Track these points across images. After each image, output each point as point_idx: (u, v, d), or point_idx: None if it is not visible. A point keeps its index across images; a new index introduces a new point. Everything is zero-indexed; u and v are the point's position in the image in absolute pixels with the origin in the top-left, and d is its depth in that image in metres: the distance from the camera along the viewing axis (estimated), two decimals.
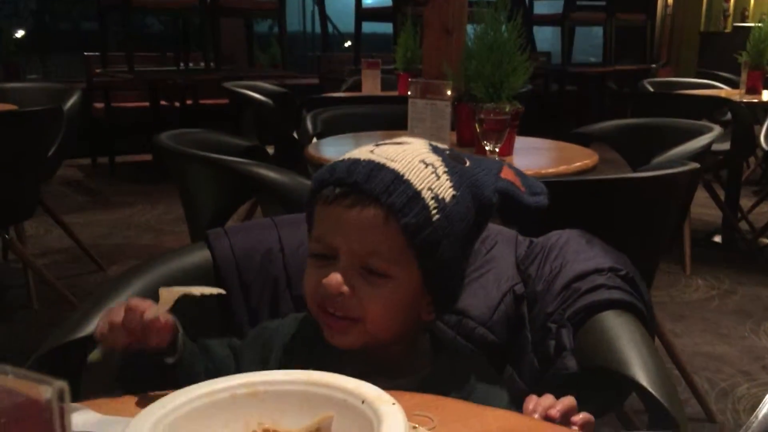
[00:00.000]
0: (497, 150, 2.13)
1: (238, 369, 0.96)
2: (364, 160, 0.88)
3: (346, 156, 0.90)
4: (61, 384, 0.27)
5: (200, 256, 1.16)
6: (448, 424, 0.74)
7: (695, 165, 1.82)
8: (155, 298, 1.09)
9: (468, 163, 0.92)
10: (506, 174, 0.94)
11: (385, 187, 0.85)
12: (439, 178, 0.88)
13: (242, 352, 0.98)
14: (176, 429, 0.68)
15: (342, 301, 0.87)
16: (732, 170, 4.03)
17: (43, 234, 4.02)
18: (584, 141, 2.62)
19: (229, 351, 0.98)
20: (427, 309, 0.93)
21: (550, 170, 2.08)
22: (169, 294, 0.85)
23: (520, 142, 2.36)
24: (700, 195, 4.00)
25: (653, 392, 0.88)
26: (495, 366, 1.02)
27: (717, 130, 2.39)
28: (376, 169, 0.86)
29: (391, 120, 2.70)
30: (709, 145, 2.29)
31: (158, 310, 0.83)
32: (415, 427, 0.71)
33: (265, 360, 0.96)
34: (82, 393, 0.91)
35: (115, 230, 4.21)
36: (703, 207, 4.44)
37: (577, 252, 1.07)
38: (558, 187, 1.76)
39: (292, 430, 0.70)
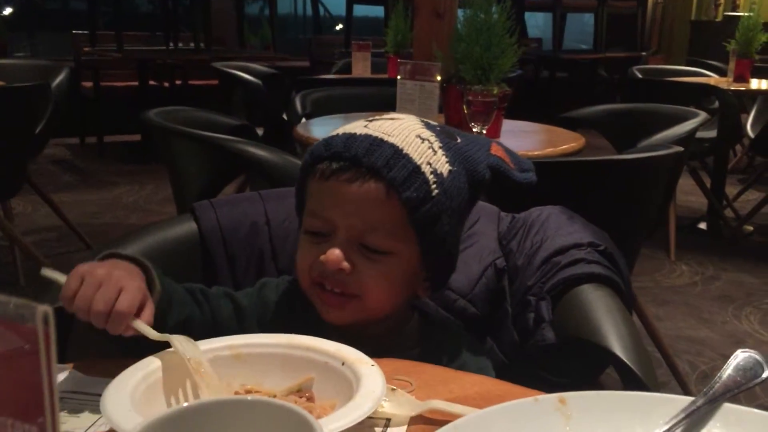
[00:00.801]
0: (484, 132, 2.14)
1: (240, 322, 0.93)
2: (360, 135, 0.88)
3: (339, 131, 0.91)
4: (45, 308, 0.28)
5: (186, 227, 1.17)
6: (427, 387, 0.76)
7: (678, 148, 1.84)
8: None
9: (459, 140, 0.93)
10: (496, 151, 0.95)
11: (386, 161, 0.85)
12: (435, 153, 0.89)
13: (244, 308, 0.95)
14: (158, 389, 0.69)
15: (341, 277, 0.86)
16: (718, 158, 4.06)
17: (31, 212, 4.01)
18: (572, 126, 2.63)
19: (231, 309, 0.94)
20: (423, 285, 0.94)
21: (536, 152, 2.10)
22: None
23: (508, 125, 2.38)
24: (686, 182, 4.04)
25: (626, 361, 0.91)
26: (476, 338, 1.04)
27: (703, 115, 2.41)
28: (375, 143, 0.86)
29: (380, 102, 2.70)
30: (695, 130, 2.32)
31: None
32: (393, 389, 0.72)
33: (262, 318, 0.95)
34: (68, 355, 0.92)
35: (102, 210, 4.20)
36: (689, 194, 4.48)
37: (557, 227, 1.09)
38: (543, 168, 1.77)
39: (274, 391, 0.72)
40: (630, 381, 0.90)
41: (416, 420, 0.70)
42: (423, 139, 0.89)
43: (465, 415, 0.63)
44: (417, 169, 0.86)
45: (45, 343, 0.28)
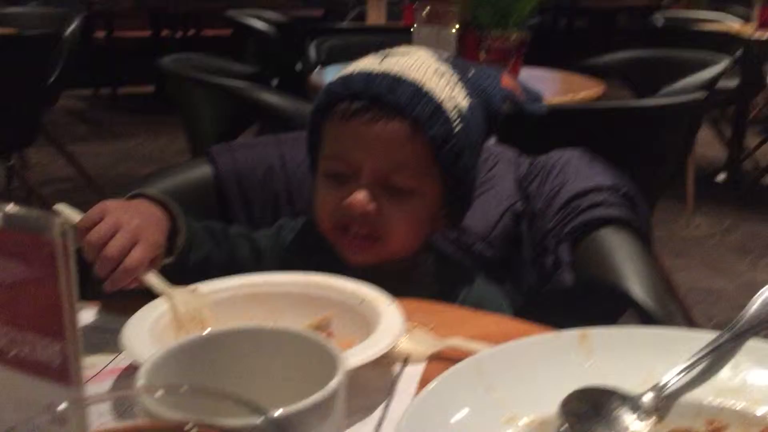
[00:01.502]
0: None
1: (258, 262, 0.93)
2: (378, 73, 0.86)
3: (353, 68, 0.88)
4: (63, 219, 0.27)
5: (202, 171, 1.16)
6: (446, 326, 0.76)
7: (701, 94, 1.81)
8: None
9: (473, 71, 0.91)
10: (506, 82, 0.94)
11: (409, 100, 0.84)
12: (454, 88, 0.87)
13: (262, 249, 0.95)
14: (176, 325, 0.69)
15: (367, 219, 0.85)
16: (739, 108, 3.98)
17: (47, 163, 4.02)
18: (592, 73, 2.58)
19: (248, 249, 0.94)
20: (442, 222, 0.94)
21: (555, 99, 2.07)
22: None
23: (526, 72, 2.33)
24: (706, 133, 3.97)
25: (646, 304, 0.90)
26: (494, 282, 1.03)
27: (726, 61, 2.35)
28: (395, 81, 0.85)
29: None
30: (719, 76, 2.27)
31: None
32: (412, 327, 0.72)
33: (280, 259, 0.94)
34: (89, 290, 0.92)
35: (117, 161, 4.21)
36: (708, 145, 4.41)
37: (578, 170, 1.07)
38: (562, 115, 1.76)
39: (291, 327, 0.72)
40: (650, 324, 0.89)
41: (435, 357, 0.70)
42: (441, 74, 0.87)
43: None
44: (439, 106, 0.85)
45: (63, 255, 0.28)
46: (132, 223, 0.73)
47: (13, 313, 0.30)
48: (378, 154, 0.84)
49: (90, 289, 0.97)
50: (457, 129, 0.86)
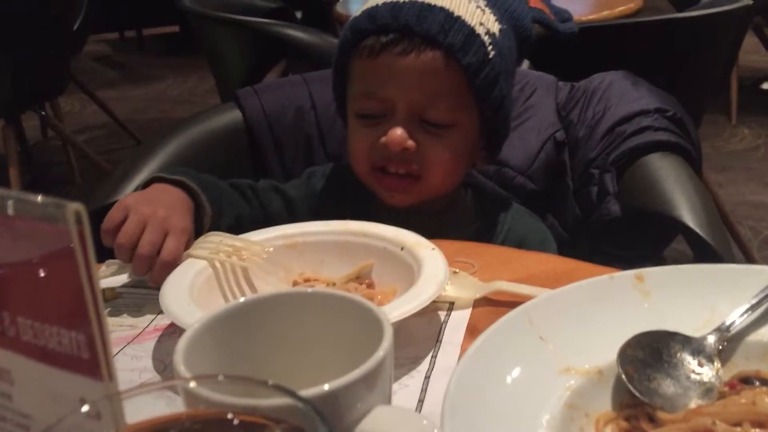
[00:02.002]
0: None
1: (291, 214, 0.92)
2: (405, 2, 0.81)
3: (377, 0, 0.84)
4: (77, 206, 0.25)
5: (231, 116, 1.13)
6: (490, 268, 0.73)
7: (747, 1, 1.70)
8: (191, 157, 1.08)
9: None
10: (534, 3, 0.89)
11: (440, 27, 0.79)
12: (484, 12, 0.83)
13: (293, 199, 0.94)
14: (214, 281, 0.68)
15: (406, 157, 0.82)
16: None
17: (79, 110, 4.03)
18: None
19: (281, 203, 0.93)
20: (480, 154, 0.90)
21: (591, 16, 1.97)
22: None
23: None
24: (749, 41, 3.78)
25: (699, 232, 0.86)
26: (536, 215, 1.00)
27: None
28: (425, 9, 0.80)
29: None
30: None
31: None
32: (455, 272, 0.70)
33: (312, 208, 0.93)
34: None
35: (148, 104, 4.19)
36: (752, 53, 4.22)
37: (621, 94, 1.02)
38: (600, 32, 1.68)
39: (333, 279, 0.70)
40: (703, 254, 0.86)
41: (480, 302, 0.68)
42: None
43: (532, 295, 0.60)
44: (472, 31, 0.80)
45: (80, 243, 0.25)
46: (158, 215, 0.71)
47: (35, 305, 0.28)
48: (412, 88, 0.81)
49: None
50: (491, 55, 0.81)
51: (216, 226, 0.78)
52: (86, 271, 0.26)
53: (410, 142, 0.82)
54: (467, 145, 0.86)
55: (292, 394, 0.27)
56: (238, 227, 0.77)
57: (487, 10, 0.83)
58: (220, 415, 0.28)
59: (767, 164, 3.03)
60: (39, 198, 0.25)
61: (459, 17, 0.80)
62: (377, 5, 0.83)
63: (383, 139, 0.82)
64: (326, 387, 0.35)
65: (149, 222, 0.70)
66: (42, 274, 0.27)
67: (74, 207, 0.25)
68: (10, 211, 0.26)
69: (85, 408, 0.26)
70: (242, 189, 0.89)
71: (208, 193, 0.79)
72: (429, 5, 0.80)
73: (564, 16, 0.93)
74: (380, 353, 0.37)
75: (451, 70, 0.80)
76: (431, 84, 0.81)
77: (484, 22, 0.82)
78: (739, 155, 3.15)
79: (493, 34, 0.82)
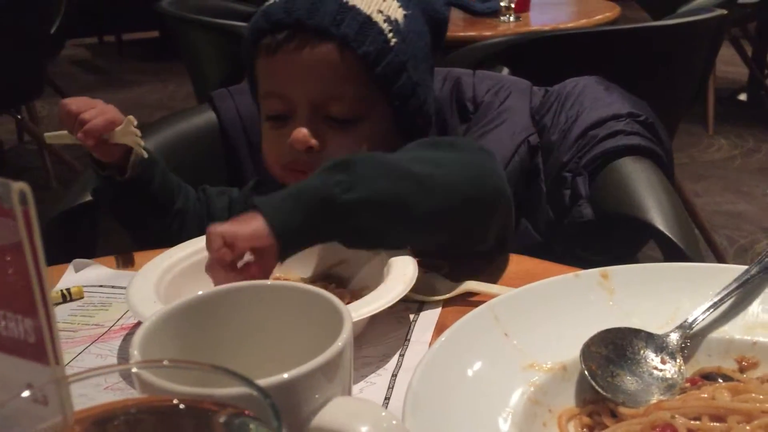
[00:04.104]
0: (512, 6, 2.03)
1: (231, 212, 0.93)
2: None
3: None
4: (21, 185, 0.25)
5: (205, 117, 1.13)
6: (460, 268, 0.73)
7: (721, 12, 1.73)
8: (164, 158, 1.07)
9: None
10: None
11: (332, 18, 0.78)
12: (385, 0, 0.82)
13: (235, 205, 0.95)
14: (182, 280, 0.67)
15: (312, 156, 0.80)
16: (761, 24, 3.84)
17: (56, 114, 3.99)
18: None
19: (226, 202, 0.95)
20: (402, 145, 0.89)
21: (570, 24, 2.00)
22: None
23: None
24: (726, 52, 3.84)
25: (670, 235, 0.87)
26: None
27: None
28: (316, 1, 0.79)
29: None
30: None
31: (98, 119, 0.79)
32: (425, 272, 0.70)
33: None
34: (97, 252, 0.91)
35: (127, 109, 4.11)
36: (729, 64, 4.28)
37: (594, 99, 1.02)
38: (577, 39, 1.69)
39: (302, 277, 0.70)
40: (673, 256, 0.86)
41: (450, 302, 0.68)
42: None
43: (501, 294, 0.60)
44: (368, 19, 0.79)
45: (25, 224, 0.25)
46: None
47: None
48: (310, 84, 0.79)
49: (101, 249, 0.96)
50: (392, 42, 0.80)
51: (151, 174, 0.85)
52: (32, 253, 0.25)
53: (313, 141, 0.80)
54: (379, 139, 0.83)
55: (242, 379, 0.27)
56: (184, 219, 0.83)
57: None
58: (168, 401, 0.28)
59: (743, 174, 3.07)
60: None
61: (353, 6, 0.79)
62: (274, 2, 0.82)
63: (288, 140, 0.80)
64: (285, 376, 0.34)
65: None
66: None
67: (19, 186, 0.25)
68: None
69: (27, 393, 0.25)
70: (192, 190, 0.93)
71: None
72: None
73: None
74: (339, 344, 0.37)
75: (348, 61, 0.79)
76: (329, 77, 0.79)
77: (384, 9, 0.81)
78: (716, 165, 3.19)
79: (395, 20, 0.81)
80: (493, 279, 0.71)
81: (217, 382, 0.28)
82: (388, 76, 0.80)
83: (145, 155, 0.82)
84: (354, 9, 0.79)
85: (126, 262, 0.80)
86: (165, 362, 0.28)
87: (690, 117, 3.41)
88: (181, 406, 0.27)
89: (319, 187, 0.62)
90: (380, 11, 0.80)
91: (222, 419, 0.27)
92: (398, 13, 0.82)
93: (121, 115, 0.82)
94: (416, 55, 0.83)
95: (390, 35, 0.80)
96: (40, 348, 0.27)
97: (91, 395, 0.29)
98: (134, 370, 0.29)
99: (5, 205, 0.25)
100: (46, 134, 0.83)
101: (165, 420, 0.28)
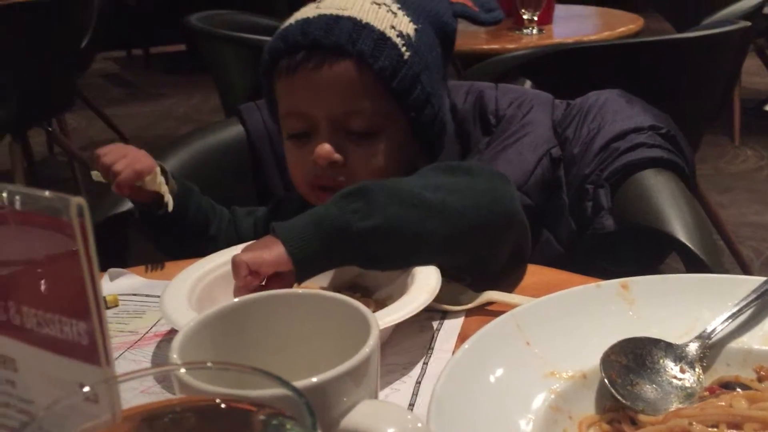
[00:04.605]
0: (535, 18, 2.05)
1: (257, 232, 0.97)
2: (314, 17, 0.83)
3: (290, 20, 0.86)
4: (79, 200, 0.27)
5: (234, 130, 1.16)
6: (483, 279, 0.75)
7: (745, 24, 1.73)
8: (192, 171, 1.11)
9: None
10: None
11: (348, 36, 0.81)
12: (396, 15, 0.85)
13: (260, 224, 0.98)
14: (213, 289, 0.70)
15: (336, 171, 0.83)
16: None
17: (86, 127, 4.07)
18: (629, 7, 2.50)
19: (252, 222, 0.99)
20: (422, 158, 0.91)
21: (593, 36, 2.01)
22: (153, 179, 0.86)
23: (560, 10, 2.26)
24: (752, 62, 3.82)
25: (691, 247, 0.87)
26: (531, 230, 1.01)
27: None
28: (331, 21, 0.82)
29: None
30: (762, 3, 2.16)
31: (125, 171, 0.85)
32: (448, 281, 0.71)
33: None
34: (129, 261, 0.94)
35: (154, 122, 4.24)
36: (755, 75, 4.25)
37: (616, 112, 1.04)
38: (600, 52, 1.70)
39: (324, 286, 0.72)
40: (695, 267, 0.87)
41: (473, 312, 0.69)
42: (379, 5, 0.85)
43: (523, 304, 0.62)
44: (382, 35, 0.82)
45: (82, 234, 0.27)
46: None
47: (39, 295, 0.30)
48: (330, 101, 0.82)
49: (130, 258, 0.99)
50: (406, 56, 0.83)
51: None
52: (87, 261, 0.28)
53: (336, 156, 0.82)
54: (399, 150, 0.86)
55: (278, 380, 0.29)
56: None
57: (400, 13, 0.85)
58: (210, 401, 0.30)
59: None
60: (46, 193, 0.27)
61: (367, 24, 0.82)
62: (290, 25, 0.85)
63: (312, 156, 0.83)
64: (314, 379, 0.36)
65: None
66: (46, 265, 0.29)
67: (77, 200, 0.27)
68: (18, 206, 0.28)
69: (85, 389, 0.28)
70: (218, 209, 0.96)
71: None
72: (336, 17, 0.82)
73: (489, 6, 0.96)
74: (366, 349, 0.39)
75: (365, 76, 0.82)
76: (348, 93, 0.82)
77: (396, 24, 0.84)
78: (742, 176, 3.16)
79: (407, 35, 0.84)
80: (514, 290, 0.72)
81: (254, 384, 0.30)
82: (404, 89, 0.83)
83: (171, 207, 0.86)
84: (368, 26, 0.82)
85: (158, 271, 0.82)
86: (209, 364, 0.30)
87: (716, 128, 3.40)
88: (223, 405, 0.29)
89: (336, 215, 0.65)
90: (393, 27, 0.83)
91: (261, 418, 0.29)
92: (409, 28, 0.85)
93: (152, 161, 0.87)
94: (428, 66, 0.86)
95: (403, 49, 0.83)
96: (92, 350, 0.29)
97: (127, 399, 0.31)
98: (181, 371, 0.31)
99: (64, 217, 0.27)
100: (93, 173, 0.90)
101: (207, 418, 0.30)
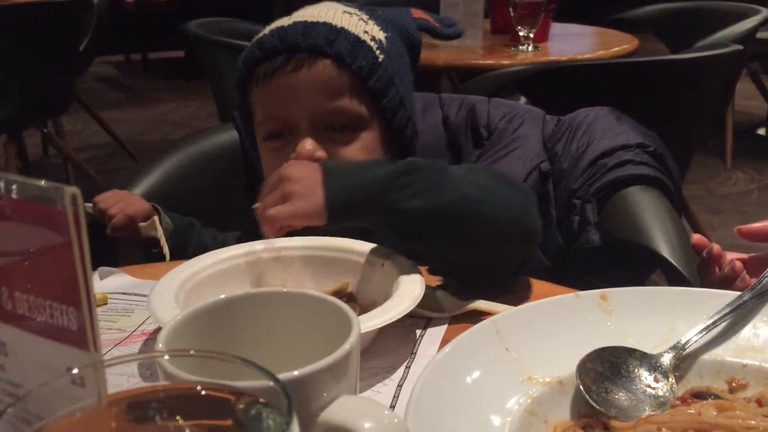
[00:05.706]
0: (531, 36, 2.07)
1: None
2: (290, 24, 0.86)
3: (264, 31, 0.88)
4: (73, 189, 0.28)
5: (228, 136, 1.17)
6: (469, 288, 0.76)
7: (737, 47, 1.75)
8: (186, 175, 1.12)
9: (380, 10, 0.92)
10: (417, 14, 0.96)
11: (325, 38, 0.84)
12: (367, 23, 0.88)
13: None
14: (201, 289, 0.71)
15: None
16: None
17: (81, 130, 4.08)
18: (624, 28, 2.53)
19: None
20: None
21: (587, 55, 2.03)
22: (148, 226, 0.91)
23: (557, 28, 2.29)
24: (746, 86, 3.86)
25: (675, 263, 0.89)
26: None
27: (764, 12, 2.28)
28: (308, 26, 0.85)
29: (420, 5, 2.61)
30: (756, 28, 2.20)
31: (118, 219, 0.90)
32: (434, 289, 0.72)
33: None
34: (119, 262, 0.95)
35: (150, 127, 4.25)
36: (748, 99, 4.30)
37: (604, 129, 1.06)
38: (595, 70, 1.72)
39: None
40: (676, 283, 0.89)
41: (457, 319, 0.71)
42: (351, 14, 0.88)
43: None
44: (357, 39, 0.85)
45: (75, 223, 0.28)
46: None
47: (31, 281, 0.31)
48: (310, 100, 0.84)
49: (121, 257, 1.00)
50: (380, 59, 0.86)
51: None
52: (79, 250, 0.29)
53: (320, 152, 0.83)
54: (377, 148, 0.88)
55: (258, 369, 0.30)
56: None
57: (370, 22, 0.89)
58: (192, 389, 0.31)
59: (760, 208, 3.07)
60: (41, 182, 0.28)
61: (342, 28, 0.85)
62: (264, 34, 0.88)
63: (294, 154, 0.83)
64: (296, 373, 0.38)
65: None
66: (39, 253, 0.30)
67: (71, 190, 0.28)
68: (15, 194, 0.29)
69: (73, 372, 0.29)
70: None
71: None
72: (312, 23, 0.85)
73: (448, 22, 1.00)
74: (346, 346, 0.40)
75: (344, 76, 0.84)
76: (327, 92, 0.84)
77: (369, 30, 0.87)
78: (733, 198, 3.19)
79: (380, 40, 0.87)
80: (498, 299, 0.73)
81: (235, 374, 0.31)
82: (379, 89, 0.86)
83: (168, 257, 0.89)
84: (344, 30, 0.85)
85: (146, 270, 0.83)
86: (192, 352, 0.31)
87: (708, 150, 3.43)
88: (203, 392, 0.30)
89: (383, 187, 0.66)
90: (366, 32, 0.87)
91: (241, 406, 0.30)
92: (380, 35, 0.88)
93: (146, 205, 0.92)
94: (400, 71, 0.89)
95: (378, 52, 0.86)
96: (81, 335, 0.30)
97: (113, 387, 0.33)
98: (165, 357, 0.32)
99: (58, 206, 0.28)
100: (87, 205, 0.94)
101: (189, 404, 0.31)
